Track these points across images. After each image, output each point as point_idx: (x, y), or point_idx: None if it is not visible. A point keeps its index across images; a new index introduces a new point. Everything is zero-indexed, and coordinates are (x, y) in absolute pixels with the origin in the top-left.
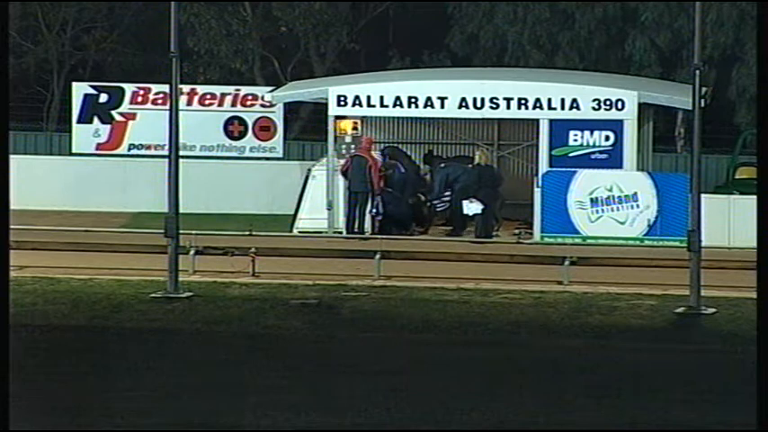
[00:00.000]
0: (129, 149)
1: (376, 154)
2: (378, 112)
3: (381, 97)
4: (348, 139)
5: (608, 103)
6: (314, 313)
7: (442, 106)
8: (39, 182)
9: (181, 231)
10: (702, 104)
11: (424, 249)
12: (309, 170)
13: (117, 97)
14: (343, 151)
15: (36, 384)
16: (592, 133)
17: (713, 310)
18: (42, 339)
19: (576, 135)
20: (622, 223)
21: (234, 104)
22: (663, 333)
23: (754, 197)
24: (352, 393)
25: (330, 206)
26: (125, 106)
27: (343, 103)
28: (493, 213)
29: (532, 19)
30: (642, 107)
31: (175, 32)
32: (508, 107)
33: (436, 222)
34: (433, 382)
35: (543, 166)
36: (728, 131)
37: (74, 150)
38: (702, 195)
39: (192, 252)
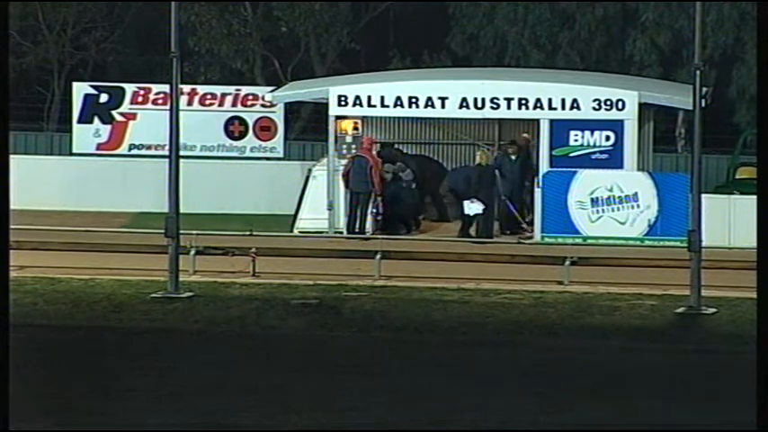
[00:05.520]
0: (130, 149)
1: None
2: (378, 112)
3: (382, 97)
4: (349, 139)
5: (608, 103)
6: (314, 313)
7: (443, 106)
8: (39, 182)
9: (181, 231)
10: (703, 104)
11: (424, 249)
12: (310, 170)
13: (117, 97)
14: (344, 151)
15: (36, 384)
16: (592, 133)
17: (713, 310)
18: (42, 339)
19: (576, 135)
20: (623, 223)
21: (234, 104)
22: (663, 333)
23: (755, 197)
24: (352, 393)
25: (330, 206)
26: (125, 106)
27: (343, 103)
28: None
29: (533, 19)
30: (642, 107)
31: (176, 32)
32: (509, 107)
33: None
34: (433, 382)
35: (544, 166)
36: (729, 131)
37: (74, 150)
38: (703, 195)
39: (192, 252)
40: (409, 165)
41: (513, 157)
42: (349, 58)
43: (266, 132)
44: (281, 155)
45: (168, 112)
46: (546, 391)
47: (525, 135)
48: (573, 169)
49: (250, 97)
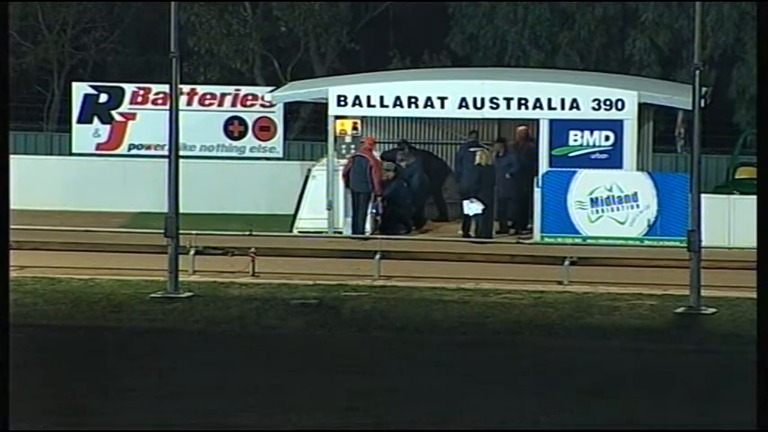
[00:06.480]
0: (129, 149)
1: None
2: (378, 112)
3: (381, 97)
4: (348, 139)
5: (608, 103)
6: (314, 313)
7: (442, 106)
8: (39, 182)
9: (181, 231)
10: (702, 104)
11: (424, 249)
12: (309, 170)
13: (117, 97)
14: (344, 151)
15: (36, 384)
16: (592, 133)
17: (713, 310)
18: (42, 339)
19: (575, 135)
20: (622, 223)
21: (234, 104)
22: (663, 333)
23: (755, 197)
24: (352, 393)
25: (330, 206)
26: (125, 106)
27: (343, 103)
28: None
29: (533, 19)
30: (642, 107)
31: (175, 32)
32: (508, 107)
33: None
34: (433, 382)
35: (543, 166)
36: (728, 131)
37: (74, 150)
38: (702, 195)
39: (192, 252)
40: (416, 159)
41: (501, 154)
42: (349, 58)
43: (266, 132)
44: (281, 155)
45: (168, 112)
46: (546, 391)
47: (521, 128)
48: (572, 169)
49: (249, 97)
